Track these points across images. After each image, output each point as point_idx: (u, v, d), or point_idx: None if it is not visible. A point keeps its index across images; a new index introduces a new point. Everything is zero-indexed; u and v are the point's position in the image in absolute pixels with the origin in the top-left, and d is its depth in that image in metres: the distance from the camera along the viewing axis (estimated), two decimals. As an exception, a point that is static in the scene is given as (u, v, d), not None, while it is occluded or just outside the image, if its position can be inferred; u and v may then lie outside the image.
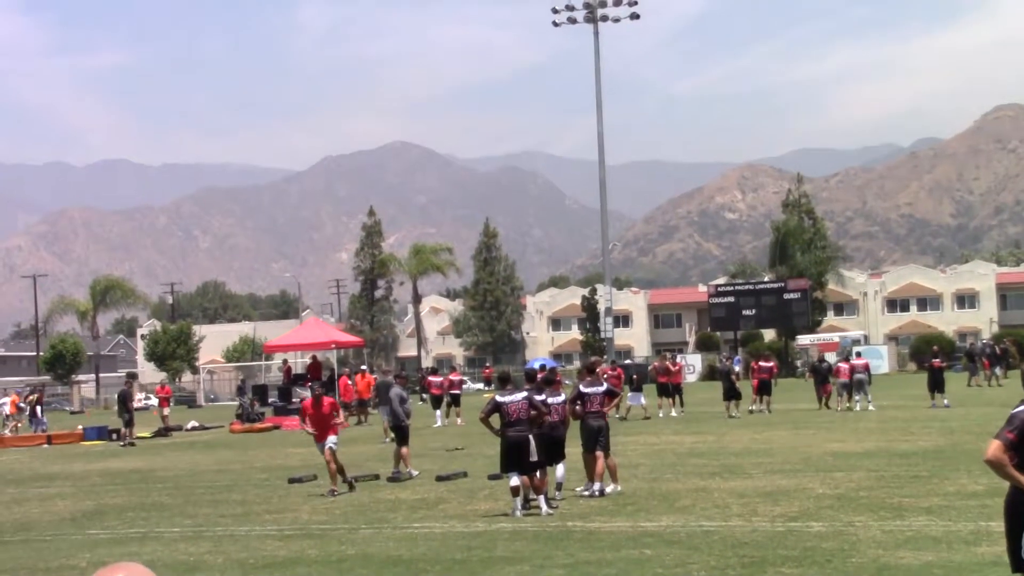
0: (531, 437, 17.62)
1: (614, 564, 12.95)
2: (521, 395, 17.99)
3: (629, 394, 41.30)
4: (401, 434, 24.65)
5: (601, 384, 20.75)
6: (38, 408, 53.07)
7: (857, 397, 41.34)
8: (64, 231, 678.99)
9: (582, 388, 19.81)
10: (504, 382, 18.91)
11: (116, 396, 44.34)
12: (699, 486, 20.04)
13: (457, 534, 15.93)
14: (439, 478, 23.01)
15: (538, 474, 17.68)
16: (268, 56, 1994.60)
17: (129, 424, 41.95)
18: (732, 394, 41.44)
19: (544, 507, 17.31)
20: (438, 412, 45.19)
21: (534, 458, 17.58)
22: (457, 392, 46.78)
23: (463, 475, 23.41)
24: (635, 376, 46.14)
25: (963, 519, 15.15)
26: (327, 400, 23.02)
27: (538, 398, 18.25)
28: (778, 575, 11.95)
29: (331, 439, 22.14)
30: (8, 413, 56.70)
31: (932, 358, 43.11)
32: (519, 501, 17.43)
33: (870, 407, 40.36)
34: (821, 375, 44.87)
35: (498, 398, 18.10)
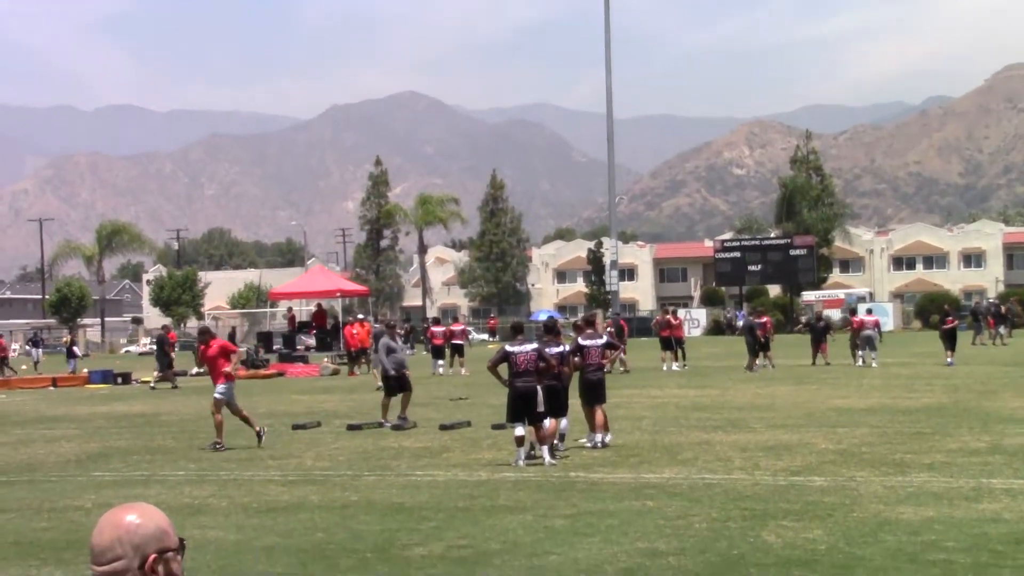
0: (539, 388, 17.64)
1: (616, 515, 13.00)
2: (531, 346, 17.98)
3: None
4: (387, 384, 24.50)
5: (600, 337, 20.77)
6: (74, 347, 55.07)
7: (861, 353, 41.46)
8: (71, 175, 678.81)
9: (581, 341, 19.76)
10: (516, 332, 18.90)
11: (155, 340, 45.87)
12: (702, 439, 20.09)
13: (460, 482, 15.99)
14: (443, 427, 23.06)
15: (546, 423, 17.72)
16: (277, 6, 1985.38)
17: (167, 368, 43.05)
18: (760, 346, 41.28)
19: (547, 458, 17.36)
20: (439, 362, 45.33)
21: (541, 408, 17.61)
22: (460, 342, 46.82)
23: (467, 424, 23.47)
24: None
25: (964, 476, 15.20)
26: (215, 343, 22.17)
27: (554, 350, 18.28)
28: (779, 528, 11.99)
29: (218, 388, 21.23)
30: None
31: (945, 316, 43.15)
32: (523, 451, 17.48)
33: (873, 364, 40.41)
34: (817, 332, 44.92)
35: (507, 348, 18.10)
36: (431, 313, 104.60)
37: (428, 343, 50.97)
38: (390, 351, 24.64)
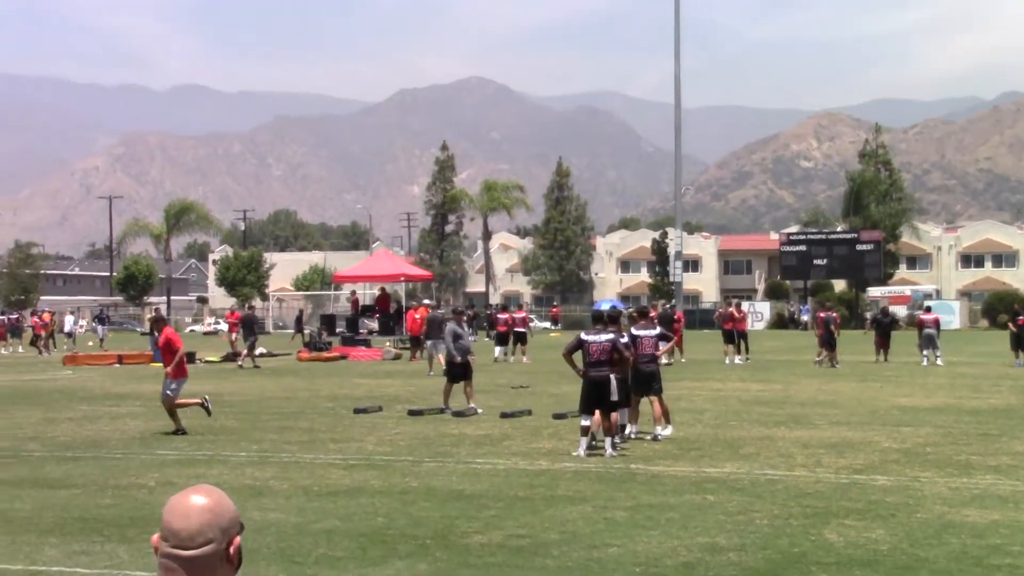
0: (612, 377, 17.58)
1: (677, 508, 12.96)
2: (607, 336, 17.90)
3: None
4: (452, 371, 24.54)
5: (654, 327, 20.68)
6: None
7: (926, 352, 40.87)
8: (140, 154, 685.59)
9: (634, 331, 19.70)
10: (596, 321, 18.54)
11: (242, 319, 46.19)
12: (764, 434, 19.97)
13: (520, 471, 15.99)
14: (504, 415, 23.06)
15: (613, 414, 17.68)
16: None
17: (252, 348, 43.22)
18: (831, 343, 40.53)
19: (609, 449, 17.32)
20: (498, 348, 45.58)
21: (615, 397, 17.56)
22: (522, 330, 46.86)
23: (528, 413, 23.47)
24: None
25: (1031, 480, 15.00)
26: (164, 332, 21.61)
27: (643, 333, 18.27)
28: (841, 527, 11.90)
29: (170, 384, 20.69)
30: (37, 333, 57.70)
31: (1016, 316, 42.09)
32: (586, 441, 17.44)
33: (938, 362, 39.96)
34: (883, 328, 44.27)
35: (583, 336, 18.04)
36: (494, 299, 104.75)
37: (492, 329, 50.98)
38: (457, 337, 24.66)
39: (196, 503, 3.53)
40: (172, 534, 3.51)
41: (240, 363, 42.70)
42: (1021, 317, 41.28)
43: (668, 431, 19.46)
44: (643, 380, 19.41)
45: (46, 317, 58.88)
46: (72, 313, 75.36)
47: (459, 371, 24.37)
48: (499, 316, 47.95)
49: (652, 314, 21.52)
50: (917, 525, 11.96)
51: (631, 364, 18.82)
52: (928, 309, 45.63)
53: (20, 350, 59.09)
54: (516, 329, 46.49)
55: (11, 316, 68.15)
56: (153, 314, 22.91)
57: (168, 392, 20.70)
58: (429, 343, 38.11)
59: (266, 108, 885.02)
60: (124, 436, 20.71)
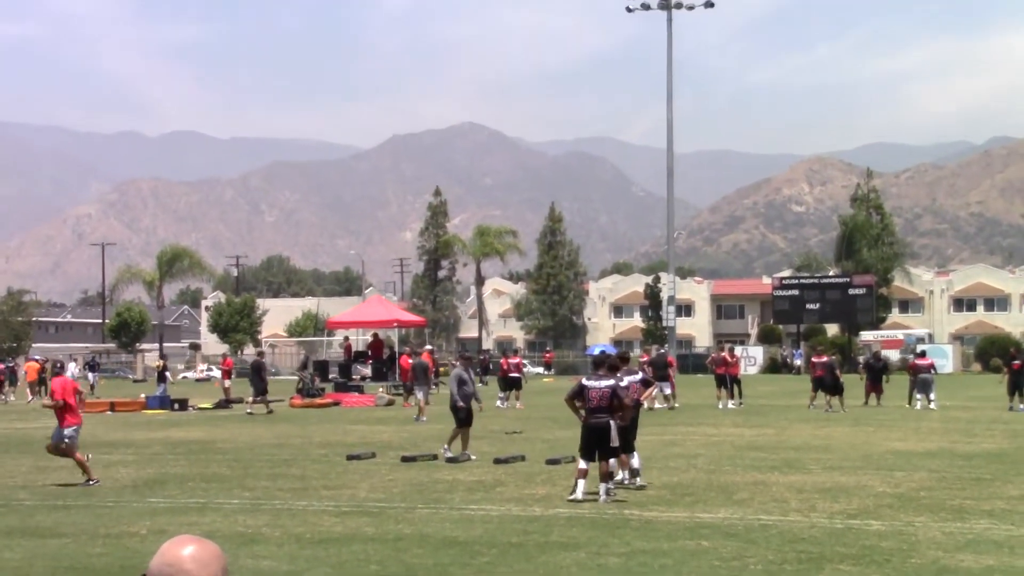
0: (612, 423, 17.56)
1: (670, 554, 12.92)
2: (608, 382, 17.87)
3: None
4: (457, 416, 24.55)
5: (636, 373, 20.81)
6: (166, 373, 55.38)
7: (919, 396, 40.85)
8: (133, 200, 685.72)
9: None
10: (596, 366, 18.52)
11: (249, 366, 46.22)
12: (757, 479, 19.94)
13: (514, 517, 15.94)
14: (497, 461, 23.00)
15: (611, 461, 17.65)
16: (341, 34, 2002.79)
17: (262, 393, 42.98)
18: (836, 389, 40.54)
19: (602, 495, 17.27)
20: (501, 395, 45.69)
21: (615, 444, 17.54)
22: (516, 375, 46.82)
23: (521, 459, 23.41)
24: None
25: (1026, 524, 14.97)
26: (53, 381, 21.27)
27: (624, 382, 18.23)
28: (836, 572, 11.86)
29: (66, 431, 20.30)
30: (30, 380, 57.55)
31: (1012, 360, 41.92)
32: (583, 484, 17.37)
33: (932, 406, 39.93)
34: (874, 372, 44.19)
35: (584, 381, 18.03)
36: (487, 345, 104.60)
37: (485, 375, 50.89)
38: (461, 383, 24.72)
39: (210, 551, 3.59)
40: None
41: (249, 410, 42.24)
42: (1016, 362, 41.09)
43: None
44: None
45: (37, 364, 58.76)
46: (74, 360, 75.15)
47: (464, 416, 24.37)
48: (510, 360, 47.95)
49: (644, 357, 21.61)
50: (912, 570, 11.93)
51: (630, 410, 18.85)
52: (923, 354, 45.63)
53: (12, 398, 58.81)
54: (511, 375, 46.49)
55: (9, 363, 68.14)
56: (55, 366, 22.82)
57: (66, 440, 20.26)
58: (417, 389, 38.20)
59: (259, 154, 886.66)
60: (116, 484, 20.61)
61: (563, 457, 21.82)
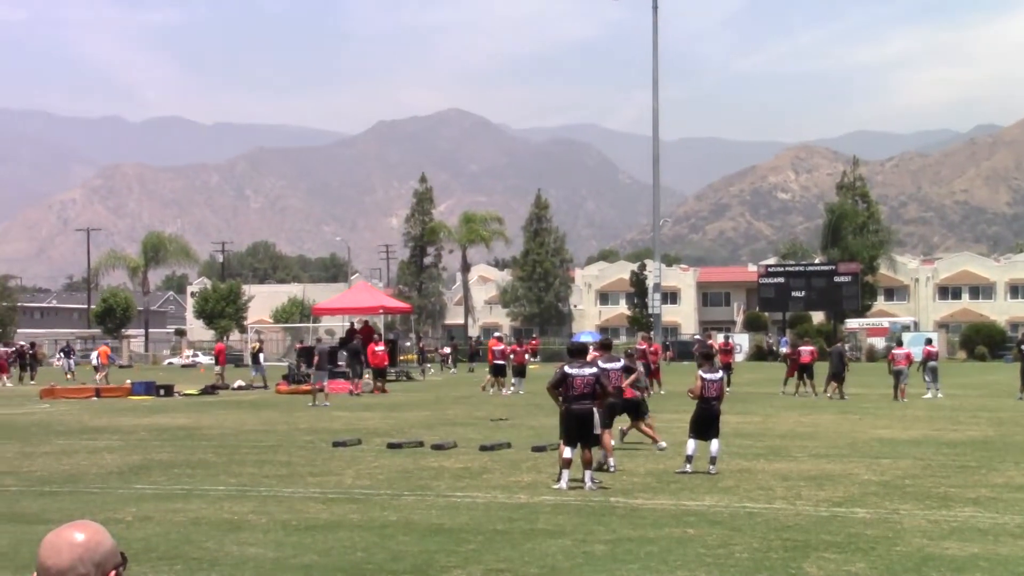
0: (595, 410, 17.54)
1: (656, 542, 12.92)
2: (590, 370, 17.79)
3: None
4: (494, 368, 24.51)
5: (617, 360, 20.83)
6: (260, 355, 55.17)
7: (929, 384, 40.40)
8: (118, 186, 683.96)
9: (600, 364, 19.69)
10: (576, 354, 18.34)
11: (347, 351, 47.23)
12: (743, 467, 19.98)
13: (500, 505, 15.94)
14: (483, 448, 23.00)
15: (592, 449, 17.66)
16: (325, 20, 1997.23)
17: (359, 375, 45.56)
18: (840, 376, 40.53)
19: (588, 482, 17.27)
20: (516, 379, 45.63)
21: (598, 431, 17.56)
22: (501, 363, 46.83)
23: (507, 446, 23.41)
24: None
25: (1011, 512, 15.02)
26: None
27: (589, 371, 18.13)
28: (821, 560, 11.88)
29: None
30: (99, 363, 57.50)
31: (1019, 345, 41.58)
32: (567, 473, 17.37)
33: (927, 395, 39.86)
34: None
35: (567, 369, 17.88)
36: (472, 332, 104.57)
37: (472, 361, 50.75)
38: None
39: (68, 539, 3.51)
40: (44, 571, 3.48)
41: (314, 402, 38.91)
42: None
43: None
44: (607, 411, 19.44)
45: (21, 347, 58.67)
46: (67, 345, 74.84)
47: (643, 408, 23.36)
48: (517, 348, 48.02)
49: (642, 346, 21.49)
50: (897, 558, 11.95)
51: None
52: (899, 343, 45.49)
53: (8, 384, 58.49)
54: (496, 361, 46.50)
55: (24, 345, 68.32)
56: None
57: None
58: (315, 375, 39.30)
59: (244, 139, 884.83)
60: (101, 470, 20.57)
61: (549, 444, 21.82)
